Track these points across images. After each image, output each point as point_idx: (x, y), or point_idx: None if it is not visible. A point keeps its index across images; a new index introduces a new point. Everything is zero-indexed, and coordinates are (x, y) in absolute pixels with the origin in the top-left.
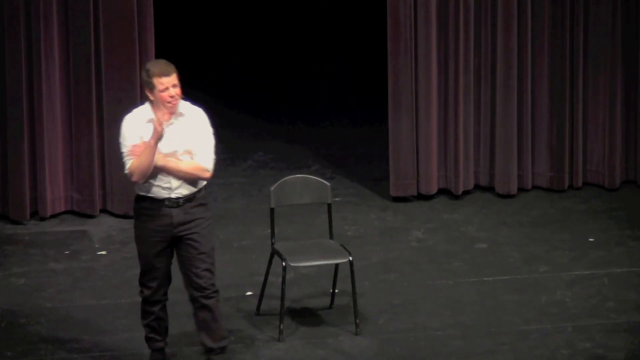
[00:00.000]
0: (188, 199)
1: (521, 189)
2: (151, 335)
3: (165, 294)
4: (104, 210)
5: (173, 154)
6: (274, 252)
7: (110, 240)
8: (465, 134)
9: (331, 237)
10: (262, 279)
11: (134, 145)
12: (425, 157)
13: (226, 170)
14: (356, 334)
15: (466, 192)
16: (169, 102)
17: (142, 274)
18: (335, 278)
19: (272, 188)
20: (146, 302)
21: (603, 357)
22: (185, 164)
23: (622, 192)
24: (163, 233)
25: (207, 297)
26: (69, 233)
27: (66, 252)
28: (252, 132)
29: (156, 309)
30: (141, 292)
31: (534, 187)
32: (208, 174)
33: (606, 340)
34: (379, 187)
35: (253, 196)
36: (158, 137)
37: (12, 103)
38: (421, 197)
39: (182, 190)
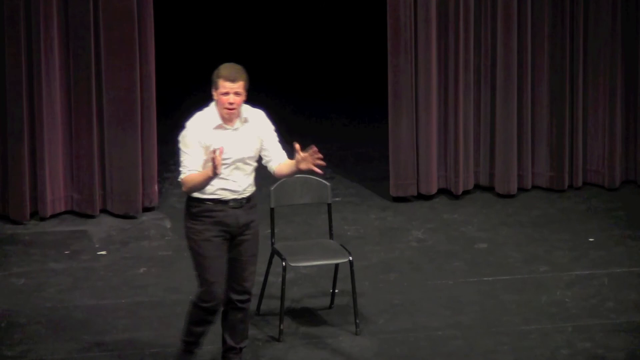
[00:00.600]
0: (248, 199)
1: (521, 189)
2: (199, 340)
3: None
4: (104, 210)
5: (241, 160)
6: (274, 252)
7: (110, 240)
8: (465, 134)
9: (331, 237)
10: (262, 279)
11: (213, 151)
12: (425, 157)
13: None
14: (356, 334)
15: (466, 192)
16: (226, 108)
17: (210, 283)
18: (335, 278)
19: (272, 188)
20: (207, 311)
21: (603, 357)
22: (288, 168)
23: (622, 192)
24: (226, 234)
25: (244, 302)
26: (69, 233)
27: (66, 252)
28: None
29: (214, 318)
30: (204, 301)
31: (534, 187)
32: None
33: (606, 340)
34: (379, 187)
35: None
36: (215, 175)
37: (12, 103)
38: (421, 197)
39: (248, 191)
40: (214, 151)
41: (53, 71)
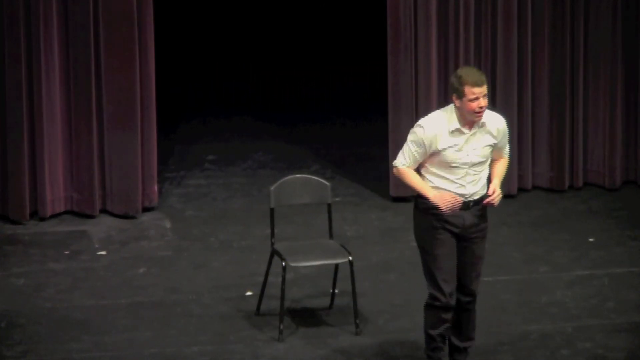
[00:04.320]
0: (477, 201)
1: (521, 189)
2: (440, 345)
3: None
4: (103, 210)
5: (472, 165)
6: (274, 252)
7: (110, 240)
8: None
9: (331, 237)
10: (262, 279)
11: (453, 198)
12: None
13: (226, 170)
14: (356, 334)
15: None
16: (477, 113)
17: (441, 280)
18: (335, 278)
19: (272, 188)
20: (442, 309)
21: (603, 357)
22: (503, 173)
23: (622, 192)
24: (453, 234)
25: (469, 303)
26: (68, 233)
27: (66, 252)
28: (252, 132)
29: (450, 316)
30: (436, 299)
31: (534, 187)
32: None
33: (606, 340)
34: (379, 187)
35: (253, 196)
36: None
37: (12, 103)
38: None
39: (479, 194)
40: (456, 199)
41: (53, 71)
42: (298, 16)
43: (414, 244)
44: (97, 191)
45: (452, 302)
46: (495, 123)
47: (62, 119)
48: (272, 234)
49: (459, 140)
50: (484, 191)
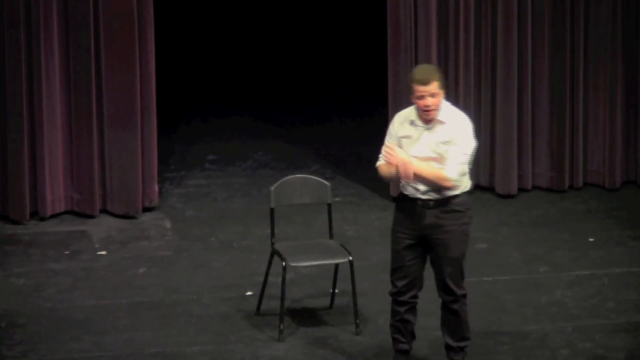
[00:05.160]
0: (440, 202)
1: (521, 189)
2: (395, 335)
3: (415, 297)
4: (103, 210)
5: (425, 161)
6: (274, 252)
7: (110, 240)
8: None
9: (331, 237)
10: (262, 279)
11: (388, 147)
12: None
13: (226, 170)
14: (356, 334)
15: None
16: (424, 111)
17: (392, 271)
18: (335, 278)
19: (272, 188)
20: (393, 300)
21: (603, 357)
22: (428, 171)
23: (622, 192)
24: (411, 231)
25: (452, 302)
26: (68, 233)
27: (66, 252)
28: (252, 132)
29: (402, 309)
30: (390, 290)
31: (534, 187)
32: (449, 183)
33: (606, 340)
34: (379, 187)
35: (253, 196)
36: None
37: (12, 103)
38: None
39: (431, 194)
40: (406, 164)
41: (53, 71)
42: (298, 16)
43: None
44: (97, 191)
45: (404, 298)
46: (453, 128)
47: (62, 119)
48: (272, 234)
49: (414, 132)
50: (452, 194)
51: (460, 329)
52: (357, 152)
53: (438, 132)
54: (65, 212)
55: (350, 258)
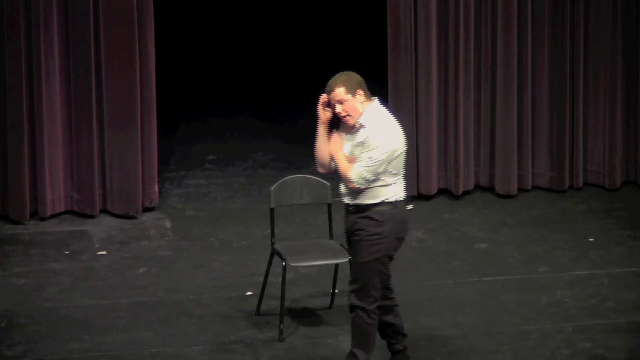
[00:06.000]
0: (358, 208)
1: (521, 189)
2: (384, 339)
3: (385, 298)
4: (103, 210)
5: (348, 159)
6: (274, 252)
7: (110, 240)
8: (465, 134)
9: (331, 237)
10: (262, 279)
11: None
12: (425, 157)
13: (226, 170)
14: None
15: (466, 192)
16: (340, 117)
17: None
18: (335, 278)
19: (272, 188)
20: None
21: (603, 357)
22: (341, 162)
23: (622, 192)
24: (345, 235)
25: (349, 308)
26: (69, 233)
27: (66, 252)
28: (252, 132)
29: (378, 312)
30: None
31: (534, 187)
32: (350, 184)
33: (606, 340)
34: None
35: (253, 196)
36: (321, 123)
37: (12, 103)
38: (421, 197)
39: (348, 198)
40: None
41: (53, 71)
42: (298, 16)
43: (414, 244)
44: (98, 191)
45: (351, 302)
46: (369, 132)
47: (62, 119)
48: (272, 234)
49: (344, 131)
50: (369, 202)
51: (353, 337)
52: None
53: (359, 134)
54: (65, 212)
55: (350, 258)
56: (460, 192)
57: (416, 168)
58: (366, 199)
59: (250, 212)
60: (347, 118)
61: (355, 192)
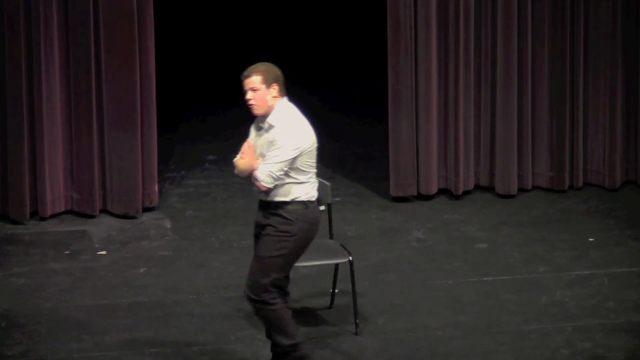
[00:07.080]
0: (270, 205)
1: (521, 189)
2: (269, 340)
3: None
4: (104, 210)
5: (261, 157)
6: None
7: (110, 240)
8: (465, 134)
9: (331, 237)
10: None
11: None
12: (425, 157)
13: (226, 170)
14: (356, 334)
15: (466, 192)
16: (248, 105)
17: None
18: (335, 278)
19: None
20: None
21: (603, 357)
22: (243, 165)
23: (622, 192)
24: (256, 230)
25: (247, 299)
26: (69, 233)
27: (66, 252)
28: None
29: (251, 306)
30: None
31: (534, 187)
32: (257, 182)
33: (606, 340)
34: (379, 187)
35: (253, 196)
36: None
37: (12, 103)
38: (421, 197)
39: (262, 195)
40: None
41: (53, 71)
42: (298, 16)
43: (414, 244)
44: (97, 191)
45: (246, 294)
46: (278, 131)
47: (62, 119)
48: None
49: (256, 133)
50: (280, 199)
51: (266, 329)
52: (357, 152)
53: (269, 134)
54: (65, 212)
55: (350, 258)
56: (460, 192)
57: (416, 168)
58: (277, 196)
59: (250, 212)
60: (254, 107)
61: (275, 193)
